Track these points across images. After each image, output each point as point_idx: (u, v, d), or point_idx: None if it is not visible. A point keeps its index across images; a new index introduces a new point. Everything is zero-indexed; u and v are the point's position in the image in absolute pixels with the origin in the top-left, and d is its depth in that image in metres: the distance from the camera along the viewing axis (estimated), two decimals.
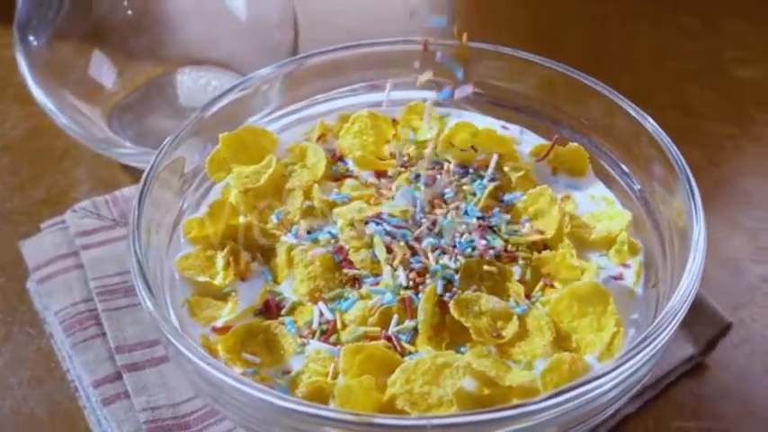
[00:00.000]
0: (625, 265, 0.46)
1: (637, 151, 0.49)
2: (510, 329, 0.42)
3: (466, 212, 0.48)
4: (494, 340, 0.42)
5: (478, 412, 0.34)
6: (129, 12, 0.67)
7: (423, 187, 0.48)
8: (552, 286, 0.45)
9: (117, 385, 0.50)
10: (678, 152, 0.45)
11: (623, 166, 0.51)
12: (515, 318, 0.43)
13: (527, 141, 0.54)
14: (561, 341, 0.43)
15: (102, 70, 0.67)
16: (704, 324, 0.51)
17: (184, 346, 0.38)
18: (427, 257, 0.45)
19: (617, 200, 0.50)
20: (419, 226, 0.47)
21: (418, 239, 0.46)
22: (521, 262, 0.46)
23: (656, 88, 0.77)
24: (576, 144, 0.52)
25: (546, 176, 0.52)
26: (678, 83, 0.77)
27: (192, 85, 0.72)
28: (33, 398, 0.52)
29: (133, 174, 0.68)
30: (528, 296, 0.45)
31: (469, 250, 0.45)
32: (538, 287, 0.45)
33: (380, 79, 0.59)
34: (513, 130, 0.55)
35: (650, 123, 0.48)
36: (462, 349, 0.42)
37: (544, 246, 0.47)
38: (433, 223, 0.47)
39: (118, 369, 0.50)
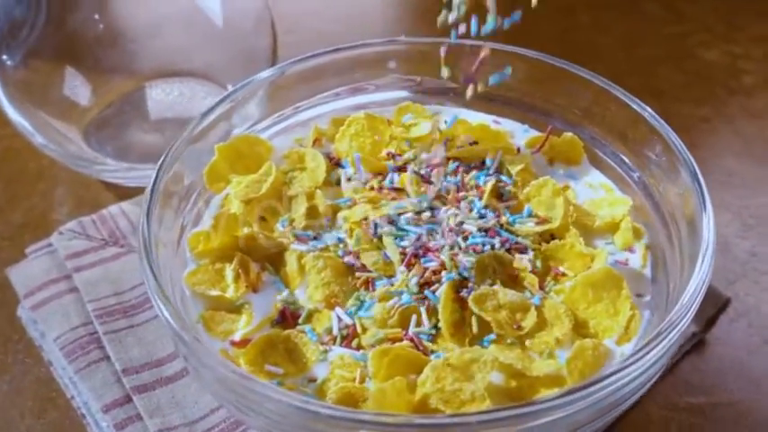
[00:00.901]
0: (630, 250, 0.47)
1: (632, 137, 0.50)
2: (529, 320, 0.43)
3: (472, 208, 0.48)
4: (515, 332, 0.42)
5: (519, 405, 0.34)
6: (101, 26, 0.66)
7: (431, 185, 0.48)
8: (564, 275, 0.46)
9: (128, 408, 0.48)
10: (677, 136, 0.46)
11: (618, 153, 0.52)
12: (533, 309, 0.43)
13: (520, 134, 0.55)
14: (579, 328, 0.43)
15: (77, 87, 0.66)
16: (704, 301, 0.53)
17: (214, 360, 0.37)
18: (439, 255, 0.45)
19: (615, 186, 0.51)
20: (428, 224, 0.47)
21: (429, 238, 0.46)
22: (530, 253, 0.46)
23: (627, 75, 0.78)
24: (570, 134, 0.52)
25: (543, 167, 0.53)
26: (648, 69, 0.79)
27: (168, 97, 0.71)
28: (38, 429, 0.50)
29: (116, 191, 0.66)
30: (542, 287, 0.45)
31: (480, 245, 0.45)
32: (549, 277, 0.46)
33: (361, 81, 0.59)
34: (504, 125, 0.55)
35: (646, 110, 0.49)
36: (486, 343, 0.42)
37: (551, 236, 0.48)
38: (441, 220, 0.47)
39: (127, 392, 0.49)
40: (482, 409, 0.37)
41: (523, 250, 0.46)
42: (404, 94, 0.59)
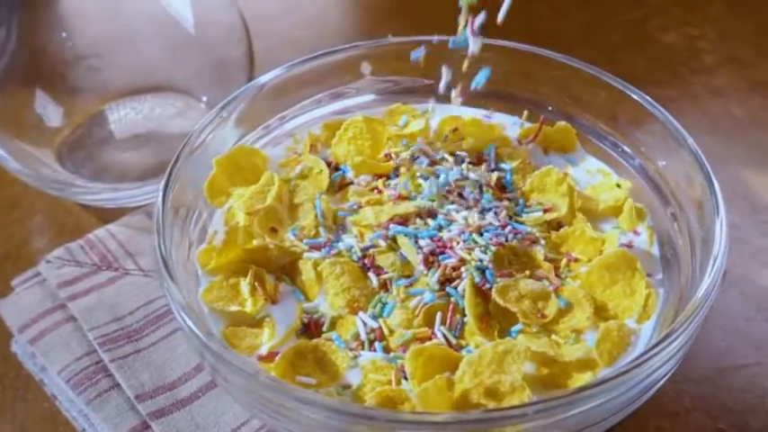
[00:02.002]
0: (635, 232, 0.48)
1: (625, 121, 0.52)
2: (551, 308, 0.43)
3: (480, 202, 0.48)
4: (539, 321, 0.43)
5: (570, 392, 0.35)
6: (70, 44, 0.63)
7: (437, 183, 0.48)
8: (576, 261, 0.47)
9: None
10: (673, 118, 0.48)
11: (612, 138, 0.53)
12: (554, 296, 0.44)
13: (512, 126, 0.56)
14: (600, 311, 0.44)
15: (48, 108, 0.63)
16: None
17: (248, 368, 0.37)
18: (456, 251, 0.45)
19: (611, 170, 0.53)
20: (439, 221, 0.47)
21: (442, 235, 0.46)
22: (542, 242, 0.47)
23: (590, 62, 0.80)
24: (563, 122, 0.53)
25: (539, 157, 0.54)
26: (611, 55, 0.81)
27: (142, 113, 0.69)
28: None
29: (97, 214, 0.64)
30: (557, 274, 0.46)
31: (495, 238, 0.46)
32: (563, 264, 0.47)
33: (340, 86, 0.59)
34: (495, 118, 0.56)
35: (638, 94, 0.50)
36: (513, 334, 0.42)
37: (558, 224, 0.49)
38: (451, 217, 0.47)
39: (143, 418, 0.48)
40: (526, 399, 0.37)
41: (535, 240, 0.47)
42: (383, 95, 0.59)
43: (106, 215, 0.63)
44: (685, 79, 0.77)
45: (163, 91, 0.69)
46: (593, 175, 0.53)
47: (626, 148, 0.52)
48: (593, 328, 0.43)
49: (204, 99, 0.69)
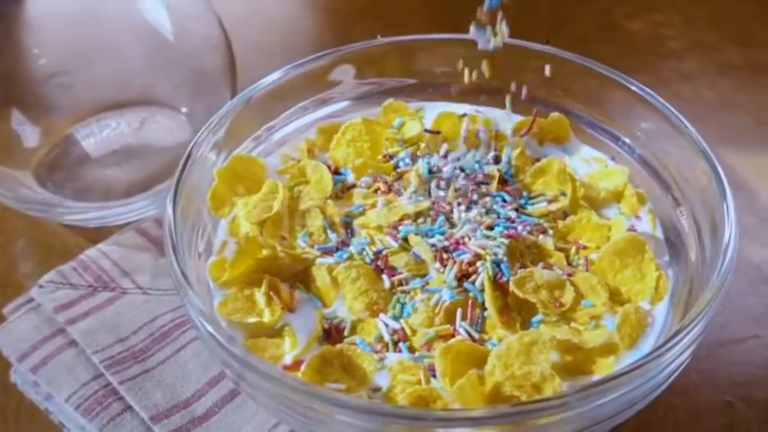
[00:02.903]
0: (637, 217, 0.50)
1: (617, 109, 0.53)
2: (568, 296, 0.44)
3: (486, 197, 0.49)
4: (557, 309, 0.44)
5: (611, 377, 0.35)
6: (43, 60, 0.62)
7: (447, 183, 0.49)
8: (585, 248, 0.47)
9: None
10: (666, 103, 0.49)
11: (604, 126, 0.54)
12: (568, 284, 0.44)
13: (504, 120, 0.56)
14: (614, 296, 0.45)
15: (25, 130, 0.61)
16: None
17: (277, 373, 0.37)
18: (468, 246, 0.45)
19: (607, 158, 0.54)
20: (444, 219, 0.47)
21: (453, 231, 0.46)
22: (550, 232, 0.48)
23: None
24: (557, 113, 0.54)
25: (535, 149, 0.54)
26: (580, 46, 0.81)
27: (119, 129, 0.67)
28: None
29: (83, 234, 0.63)
30: (569, 262, 0.47)
31: (505, 231, 0.46)
32: (572, 252, 0.47)
33: (324, 92, 0.58)
34: (486, 113, 0.57)
35: (628, 81, 0.51)
36: (534, 324, 0.43)
37: (563, 213, 0.49)
38: (460, 214, 0.48)
39: None
40: (557, 388, 0.38)
41: (543, 231, 0.48)
42: (367, 98, 0.59)
43: (92, 235, 0.62)
44: (655, 65, 0.79)
45: (140, 105, 0.67)
46: (588, 163, 0.54)
47: (620, 135, 0.53)
48: (610, 312, 0.44)
49: (184, 110, 0.67)
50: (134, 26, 0.63)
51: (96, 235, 0.62)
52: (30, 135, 0.62)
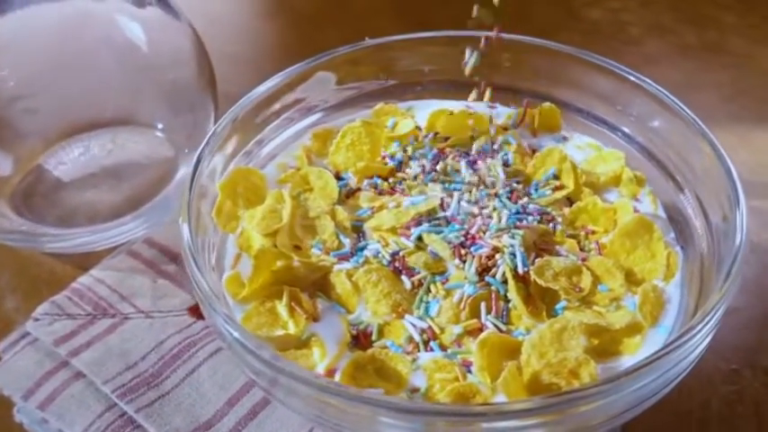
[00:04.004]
0: (636, 199, 0.51)
1: (607, 95, 0.54)
2: (586, 281, 0.45)
3: (493, 191, 0.49)
4: (578, 295, 0.44)
5: (651, 359, 0.36)
6: (12, 83, 0.59)
7: (452, 180, 0.49)
8: (594, 233, 0.48)
9: None
10: (659, 86, 0.51)
11: (594, 112, 0.55)
12: (585, 269, 0.45)
13: (495, 114, 0.57)
14: (628, 276, 0.46)
15: None
16: None
17: (315, 378, 0.36)
18: (485, 240, 0.46)
19: (600, 143, 0.55)
20: (455, 216, 0.48)
21: (465, 226, 0.47)
22: (558, 220, 0.49)
23: None
24: (548, 103, 0.55)
25: (529, 140, 0.55)
26: (546, 36, 0.84)
27: (92, 150, 0.65)
28: None
29: (70, 261, 0.61)
30: (581, 248, 0.47)
31: (518, 223, 0.47)
32: (582, 237, 0.48)
33: (309, 101, 0.58)
34: (476, 108, 0.57)
35: (617, 67, 0.53)
36: (559, 311, 0.43)
37: (568, 200, 0.50)
38: (469, 209, 0.48)
39: None
40: (594, 372, 0.38)
41: (552, 219, 0.48)
42: (351, 102, 0.59)
43: (79, 261, 0.60)
44: (619, 51, 0.82)
45: (115, 125, 0.65)
46: (583, 150, 0.55)
47: (609, 120, 0.55)
48: (628, 293, 0.45)
49: (160, 126, 0.66)
50: (102, 44, 0.61)
51: (83, 261, 0.60)
52: (5, 166, 0.59)
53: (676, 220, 0.49)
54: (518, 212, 0.48)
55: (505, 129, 0.55)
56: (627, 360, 0.42)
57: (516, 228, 0.46)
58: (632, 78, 0.52)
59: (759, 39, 0.83)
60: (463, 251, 0.45)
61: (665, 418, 0.49)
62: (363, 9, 0.89)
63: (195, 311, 0.54)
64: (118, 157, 0.65)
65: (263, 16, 0.89)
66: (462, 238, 0.46)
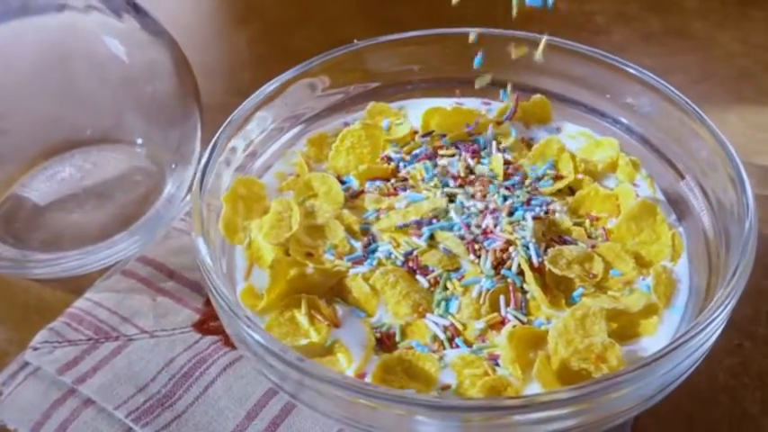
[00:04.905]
0: (634, 184, 0.52)
1: (597, 83, 0.55)
2: (598, 267, 0.46)
3: (498, 184, 0.50)
4: (592, 281, 0.45)
5: (683, 339, 0.37)
6: None
7: (454, 177, 0.49)
8: (598, 219, 0.49)
9: None
10: (650, 72, 0.52)
11: (583, 101, 0.56)
12: (596, 256, 0.46)
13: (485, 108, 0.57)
14: (637, 259, 0.47)
15: None
16: None
17: (346, 379, 0.36)
18: (496, 234, 0.46)
19: (592, 131, 0.56)
20: (463, 212, 0.48)
21: (474, 221, 0.47)
22: (564, 209, 0.49)
23: None
24: (538, 95, 0.56)
25: (523, 132, 0.56)
26: (514, 29, 0.85)
27: (72, 170, 0.63)
28: None
29: (60, 286, 0.58)
30: (588, 235, 0.48)
31: (526, 214, 0.47)
32: (588, 224, 0.49)
33: (297, 110, 0.57)
34: (467, 104, 0.58)
35: (605, 55, 0.54)
36: (576, 298, 0.44)
37: (569, 189, 0.51)
38: (476, 205, 0.48)
39: None
40: (619, 355, 0.39)
41: (556, 208, 0.49)
42: (338, 107, 0.59)
43: (70, 286, 0.58)
44: (589, 40, 0.82)
45: (92, 144, 0.63)
46: (576, 139, 0.55)
47: (600, 108, 0.56)
48: (640, 276, 0.46)
49: (139, 142, 0.64)
50: (77, 60, 0.58)
51: (74, 285, 0.58)
52: None
53: (674, 200, 0.51)
54: (523, 204, 0.48)
55: (499, 123, 0.56)
56: (646, 341, 0.43)
57: (525, 220, 0.47)
58: (620, 66, 0.53)
59: (719, 21, 0.86)
60: (477, 246, 0.46)
61: (676, 393, 0.50)
62: (332, 14, 0.88)
63: (201, 327, 0.53)
64: (99, 176, 0.63)
65: (233, 24, 0.88)
66: (474, 234, 0.46)
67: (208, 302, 0.54)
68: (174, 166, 0.62)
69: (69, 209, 0.61)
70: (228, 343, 0.51)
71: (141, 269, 0.57)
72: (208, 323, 0.53)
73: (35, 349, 0.51)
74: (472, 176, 0.51)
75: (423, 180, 0.50)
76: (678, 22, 0.86)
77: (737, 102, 0.75)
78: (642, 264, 0.47)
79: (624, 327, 0.43)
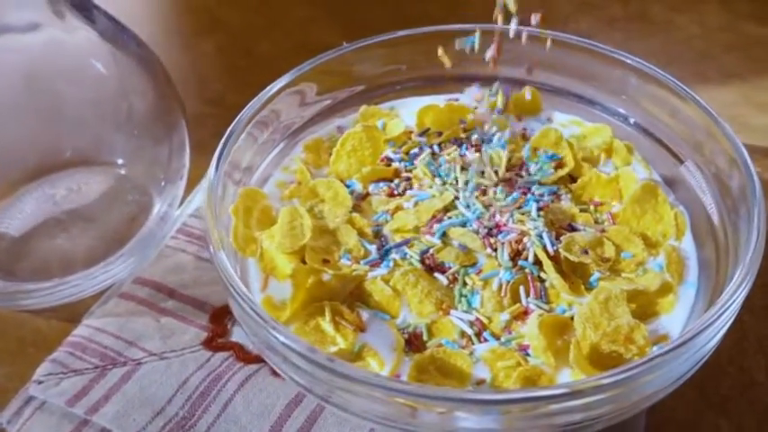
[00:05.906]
0: (631, 167, 0.53)
1: (587, 72, 0.56)
2: (609, 250, 0.46)
3: (501, 176, 0.50)
4: (605, 265, 0.46)
5: (714, 316, 0.38)
6: None
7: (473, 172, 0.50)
8: (602, 204, 0.50)
9: None
10: (642, 59, 0.53)
11: (573, 91, 0.57)
12: (606, 240, 0.47)
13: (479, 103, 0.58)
14: (644, 240, 0.48)
15: None
16: None
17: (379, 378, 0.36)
18: (509, 226, 0.46)
19: (583, 119, 0.57)
20: (472, 207, 0.48)
21: (485, 216, 0.47)
22: (568, 197, 0.50)
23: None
24: (528, 87, 0.57)
25: (516, 124, 0.57)
26: (482, 22, 0.86)
27: (50, 195, 0.61)
28: None
29: (54, 314, 0.56)
30: (595, 220, 0.49)
31: (535, 204, 0.48)
32: (592, 210, 0.50)
33: (288, 120, 0.57)
34: (462, 99, 0.58)
35: (593, 44, 0.55)
36: (594, 283, 0.45)
37: (570, 177, 0.52)
38: (482, 198, 0.49)
39: None
40: (645, 334, 0.40)
41: (560, 197, 0.50)
42: (326, 113, 0.58)
43: (63, 314, 0.56)
44: (560, 30, 0.85)
45: (71, 167, 0.60)
46: (567, 127, 0.56)
47: (588, 96, 0.57)
48: (649, 257, 0.47)
49: (120, 162, 0.62)
50: (53, 81, 0.56)
51: (69, 313, 0.56)
52: None
53: (670, 180, 0.52)
54: (528, 195, 0.49)
55: (493, 114, 0.56)
56: (665, 319, 0.44)
57: (535, 211, 0.47)
58: (608, 53, 0.54)
59: (676, 6, 0.89)
60: (492, 240, 0.46)
61: None
62: (297, 19, 0.88)
63: (211, 344, 0.52)
64: (82, 199, 0.60)
65: (199, 35, 0.86)
66: (488, 228, 0.46)
67: (213, 319, 0.53)
68: (163, 183, 0.60)
69: (53, 234, 0.59)
70: (241, 358, 0.50)
71: (140, 290, 0.56)
72: (216, 340, 0.52)
73: (39, 383, 0.49)
74: (475, 171, 0.51)
75: (427, 178, 0.50)
76: (638, 8, 0.88)
77: (703, 83, 0.78)
78: (649, 244, 0.48)
79: (643, 306, 0.44)
